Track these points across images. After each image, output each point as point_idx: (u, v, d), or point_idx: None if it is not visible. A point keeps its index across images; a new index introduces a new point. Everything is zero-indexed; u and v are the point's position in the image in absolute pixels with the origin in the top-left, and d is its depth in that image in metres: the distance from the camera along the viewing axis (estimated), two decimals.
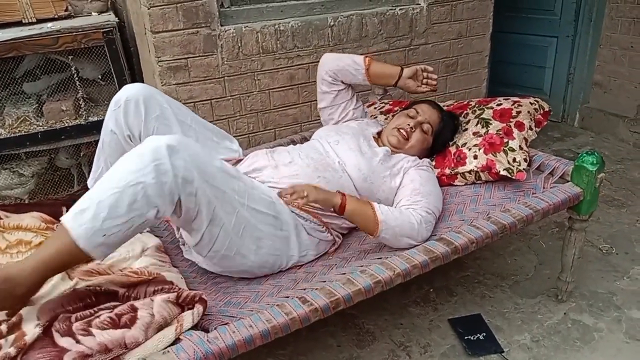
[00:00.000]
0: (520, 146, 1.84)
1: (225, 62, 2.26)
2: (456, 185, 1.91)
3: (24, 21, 2.25)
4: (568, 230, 1.84)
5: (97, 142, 2.39)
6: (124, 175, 1.16)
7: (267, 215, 1.48)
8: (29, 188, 2.42)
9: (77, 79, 2.33)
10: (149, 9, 2.05)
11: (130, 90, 1.56)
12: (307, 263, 1.62)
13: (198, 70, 2.23)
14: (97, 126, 2.34)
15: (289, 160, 1.69)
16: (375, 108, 2.33)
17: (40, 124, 2.32)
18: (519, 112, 1.93)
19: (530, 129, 1.92)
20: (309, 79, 2.47)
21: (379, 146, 1.86)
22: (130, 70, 2.50)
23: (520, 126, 1.89)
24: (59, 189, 2.56)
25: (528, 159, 1.84)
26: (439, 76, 2.74)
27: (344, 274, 1.44)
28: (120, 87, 2.34)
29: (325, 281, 1.44)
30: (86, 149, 2.48)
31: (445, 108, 2.13)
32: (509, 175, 1.77)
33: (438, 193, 1.72)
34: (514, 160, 1.80)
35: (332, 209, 1.52)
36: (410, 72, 1.89)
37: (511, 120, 1.91)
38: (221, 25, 2.22)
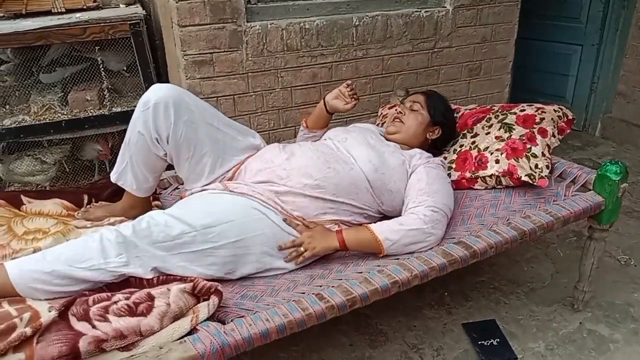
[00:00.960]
0: (543, 152, 1.82)
1: (250, 58, 2.28)
2: (476, 189, 1.90)
3: (53, 11, 2.28)
4: (587, 239, 1.83)
5: (119, 132, 2.45)
6: None
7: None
8: (50, 175, 2.46)
9: (102, 69, 2.36)
10: (177, 2, 2.07)
11: (159, 93, 1.54)
12: (324, 259, 1.63)
13: (223, 65, 2.25)
14: (120, 117, 2.39)
15: (300, 153, 1.70)
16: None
17: (65, 113, 2.35)
18: (542, 119, 1.92)
19: (554, 136, 1.91)
20: (332, 77, 2.48)
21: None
22: (155, 63, 2.52)
23: (543, 133, 1.88)
24: (80, 178, 2.59)
25: (550, 165, 1.82)
26: (462, 80, 2.74)
27: (361, 272, 1.45)
28: (145, 80, 2.41)
29: (341, 279, 1.44)
30: (112, 140, 2.51)
31: (467, 112, 2.14)
32: (531, 182, 1.76)
33: (447, 191, 1.71)
34: (536, 166, 1.78)
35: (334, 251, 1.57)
36: (332, 95, 1.93)
37: (534, 126, 1.90)
38: (247, 22, 2.23)
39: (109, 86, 2.42)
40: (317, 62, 2.42)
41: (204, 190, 1.62)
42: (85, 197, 1.83)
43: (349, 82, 1.93)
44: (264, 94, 2.37)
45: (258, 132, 2.40)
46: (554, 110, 1.98)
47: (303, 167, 1.65)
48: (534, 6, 3.53)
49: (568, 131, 1.99)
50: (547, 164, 1.80)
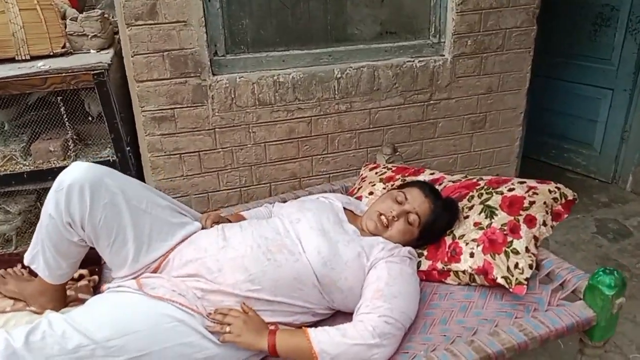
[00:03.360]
0: (526, 248, 1.54)
1: (217, 114, 2.10)
2: (448, 284, 1.64)
3: (17, 57, 2.17)
4: (578, 353, 1.53)
5: None
6: None
7: None
8: (15, 225, 2.35)
9: (66, 119, 2.23)
10: (132, 57, 1.91)
11: (75, 173, 1.38)
12: None
13: (186, 121, 2.07)
14: None
15: (240, 239, 1.49)
16: (376, 173, 2.08)
17: (27, 164, 2.24)
18: (532, 203, 1.64)
19: (544, 224, 1.62)
20: (310, 132, 2.26)
21: (350, 222, 1.63)
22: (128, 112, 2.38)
23: (530, 221, 1.60)
24: None
25: (535, 264, 1.54)
26: (463, 133, 2.47)
27: None
28: (111, 131, 2.26)
29: None
30: None
31: (449, 185, 1.87)
32: (507, 286, 1.48)
33: (409, 294, 1.45)
34: (516, 266, 1.51)
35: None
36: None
37: (521, 213, 1.62)
38: (213, 75, 2.05)
39: (74, 136, 2.28)
40: (294, 116, 2.21)
41: (120, 287, 1.43)
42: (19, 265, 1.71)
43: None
44: (233, 150, 2.18)
45: (228, 189, 2.25)
46: (550, 190, 1.70)
47: (239, 259, 1.44)
48: (559, 44, 3.21)
49: (566, 216, 1.69)
50: (530, 262, 1.52)
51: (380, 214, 1.61)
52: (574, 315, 1.41)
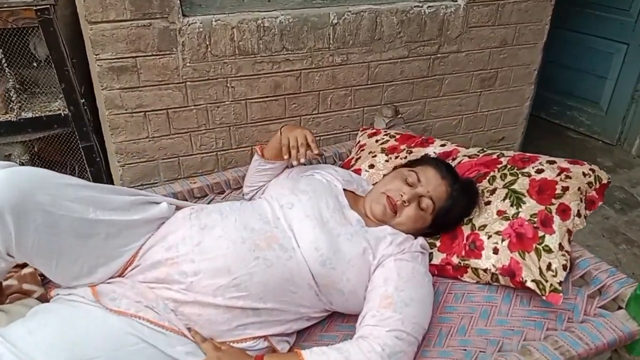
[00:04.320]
0: (560, 245, 1.30)
1: (188, 64, 1.74)
2: (464, 282, 1.40)
3: None
4: None
5: (34, 142, 1.97)
6: None
7: None
8: None
9: (6, 65, 1.84)
10: None
11: None
12: None
13: (151, 72, 1.72)
14: (32, 124, 1.90)
15: (219, 232, 1.20)
16: (377, 141, 1.79)
17: None
18: (565, 189, 1.39)
19: (579, 215, 1.37)
20: (300, 88, 1.93)
21: (352, 209, 1.36)
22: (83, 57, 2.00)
23: (564, 212, 1.35)
24: None
25: (568, 264, 1.31)
26: (471, 92, 2.18)
27: None
28: (61, 80, 1.89)
29: None
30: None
31: (465, 161, 1.60)
32: (538, 292, 1.25)
33: (424, 300, 1.21)
34: (549, 267, 1.27)
35: None
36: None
37: (553, 201, 1.37)
38: (184, 16, 1.68)
39: (16, 85, 1.91)
40: (281, 69, 1.87)
41: (71, 295, 1.13)
42: None
43: (310, 137, 1.40)
44: (208, 107, 1.85)
45: (202, 153, 1.93)
46: (584, 173, 1.44)
47: (220, 258, 1.15)
48: None
49: (599, 203, 1.45)
50: (564, 263, 1.29)
51: (389, 198, 1.34)
52: (616, 330, 1.20)
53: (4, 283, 1.39)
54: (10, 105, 1.92)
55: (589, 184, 1.43)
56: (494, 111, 2.33)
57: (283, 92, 1.92)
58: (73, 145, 2.02)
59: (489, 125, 2.36)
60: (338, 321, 1.33)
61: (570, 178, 1.42)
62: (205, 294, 1.13)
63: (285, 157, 1.40)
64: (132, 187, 1.88)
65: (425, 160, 1.48)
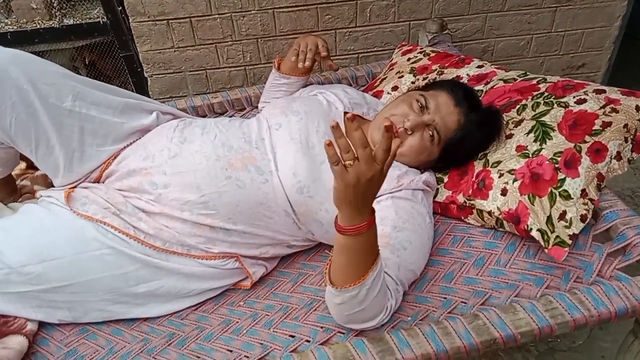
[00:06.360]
0: (584, 191, 1.09)
1: None
2: (468, 224, 1.24)
3: None
4: (630, 334, 1.13)
5: (76, 49, 2.02)
6: None
7: None
8: None
9: None
10: None
11: None
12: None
13: None
14: (74, 31, 1.93)
15: (197, 147, 1.15)
16: (409, 59, 1.60)
17: (10, 23, 1.95)
18: (607, 125, 1.14)
19: (619, 158, 1.13)
20: None
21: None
22: None
23: (598, 153, 1.12)
24: None
25: (590, 214, 1.09)
26: (544, 7, 1.87)
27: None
28: None
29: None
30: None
31: (498, 86, 1.37)
32: (541, 243, 1.06)
33: (421, 246, 1.08)
34: (562, 216, 1.07)
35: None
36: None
37: (587, 138, 1.14)
38: None
39: None
40: None
41: (50, 197, 1.16)
42: None
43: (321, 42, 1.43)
44: (233, 17, 1.75)
45: (229, 66, 1.86)
46: (637, 107, 1.17)
47: (190, 174, 1.12)
48: None
49: None
50: (583, 212, 1.08)
51: (391, 125, 1.18)
52: (630, 298, 0.99)
53: (19, 183, 1.48)
54: (53, 12, 1.96)
55: None
56: (572, 32, 1.97)
57: (314, 1, 1.75)
58: (116, 54, 2.05)
59: (566, 49, 2.02)
60: (324, 252, 1.25)
61: (617, 112, 1.16)
62: (172, 207, 1.11)
63: (293, 59, 1.42)
64: (160, 99, 1.87)
65: (441, 83, 1.29)
